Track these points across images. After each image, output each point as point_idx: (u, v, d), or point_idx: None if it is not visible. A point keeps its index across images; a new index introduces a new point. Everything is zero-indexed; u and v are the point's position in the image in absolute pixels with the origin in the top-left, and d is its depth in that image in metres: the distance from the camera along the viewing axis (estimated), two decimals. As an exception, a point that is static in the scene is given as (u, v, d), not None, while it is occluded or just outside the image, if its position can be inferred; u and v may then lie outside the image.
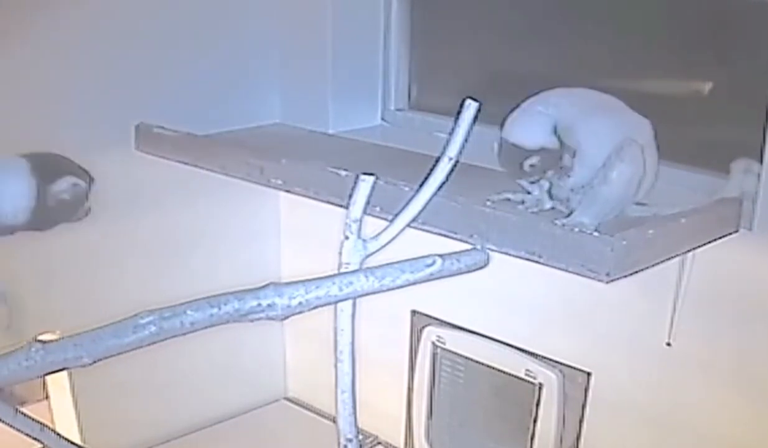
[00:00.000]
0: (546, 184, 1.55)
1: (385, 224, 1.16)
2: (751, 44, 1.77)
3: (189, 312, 1.08)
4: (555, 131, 1.49)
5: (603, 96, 1.54)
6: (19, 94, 1.82)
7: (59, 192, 0.97)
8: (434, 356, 2.11)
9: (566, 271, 1.35)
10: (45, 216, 0.96)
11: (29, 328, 1.06)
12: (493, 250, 1.22)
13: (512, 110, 1.53)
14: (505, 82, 2.07)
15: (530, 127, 1.51)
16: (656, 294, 1.69)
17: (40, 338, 1.05)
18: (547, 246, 1.36)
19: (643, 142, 1.48)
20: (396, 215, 1.16)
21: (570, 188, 1.52)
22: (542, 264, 1.38)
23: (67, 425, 2.06)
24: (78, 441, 1.37)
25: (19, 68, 1.80)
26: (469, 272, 1.15)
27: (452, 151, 1.13)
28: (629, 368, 1.82)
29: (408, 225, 1.16)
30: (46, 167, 0.96)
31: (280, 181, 1.76)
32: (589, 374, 1.87)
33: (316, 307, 1.11)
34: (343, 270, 1.15)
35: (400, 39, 2.25)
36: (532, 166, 1.50)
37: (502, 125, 1.54)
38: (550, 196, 1.56)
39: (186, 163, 1.88)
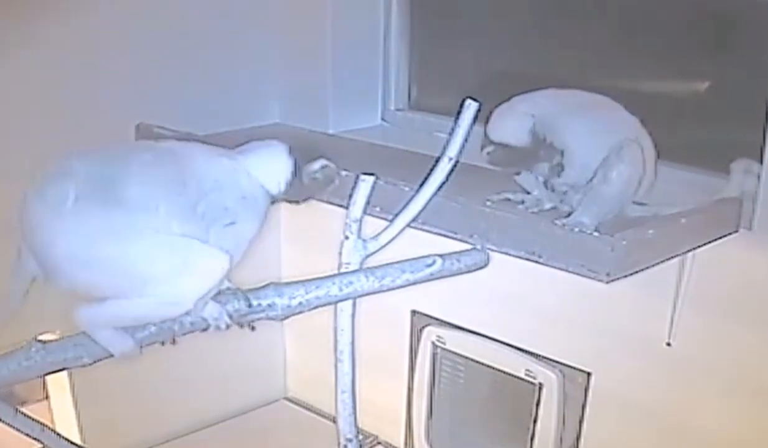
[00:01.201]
0: (540, 179, 1.56)
1: (385, 224, 1.16)
2: (751, 44, 1.77)
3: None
4: (533, 131, 1.49)
5: (594, 96, 1.55)
6: (19, 95, 1.82)
7: (312, 171, 1.16)
8: (434, 356, 2.10)
9: (566, 271, 1.35)
10: (300, 191, 1.16)
11: (29, 328, 1.06)
12: (493, 250, 1.22)
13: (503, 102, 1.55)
14: (505, 82, 2.07)
15: (504, 121, 1.52)
16: (656, 294, 1.69)
17: (40, 338, 1.05)
18: (547, 246, 1.36)
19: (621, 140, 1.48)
20: (396, 215, 1.16)
21: (563, 184, 1.53)
22: (542, 264, 1.38)
23: (67, 425, 2.06)
24: (78, 441, 1.36)
25: (20, 69, 1.80)
26: (469, 272, 1.15)
27: (452, 151, 1.13)
28: (629, 368, 1.82)
29: (408, 225, 1.16)
30: (302, 151, 1.17)
31: (280, 181, 1.75)
32: (589, 374, 1.87)
33: (316, 307, 1.11)
34: (343, 270, 1.15)
35: (400, 39, 2.25)
36: (488, 153, 1.52)
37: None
38: (546, 186, 1.56)
39: (186, 163, 1.88)
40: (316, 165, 1.16)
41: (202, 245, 1.03)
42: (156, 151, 1.08)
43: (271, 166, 1.13)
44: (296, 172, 1.14)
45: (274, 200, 1.14)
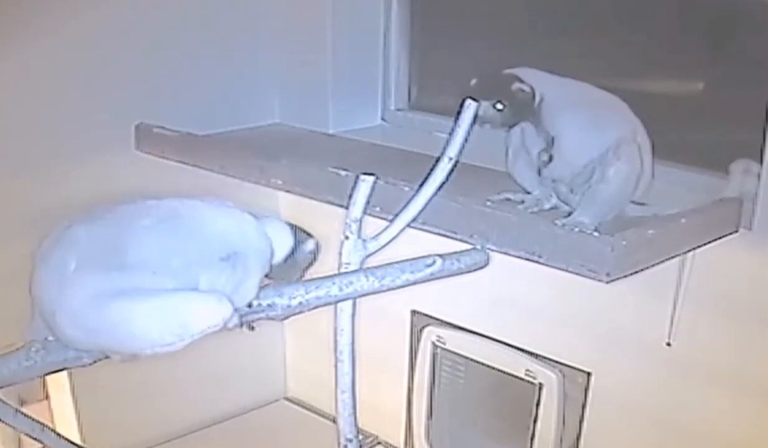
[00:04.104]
0: (535, 157, 1.57)
1: (385, 224, 1.16)
2: (751, 44, 1.77)
3: (189, 312, 1.09)
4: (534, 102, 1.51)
5: (601, 94, 1.55)
6: (20, 95, 1.82)
7: (308, 251, 1.15)
8: (434, 356, 2.10)
9: (566, 271, 1.35)
10: (291, 270, 1.15)
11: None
12: (493, 250, 1.22)
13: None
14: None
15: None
16: (656, 294, 1.69)
17: (40, 338, 1.05)
18: (547, 246, 1.36)
19: (617, 139, 1.48)
20: (396, 215, 1.16)
21: (548, 175, 1.54)
22: (542, 264, 1.38)
23: (67, 425, 2.06)
24: (78, 441, 1.36)
25: (20, 69, 1.80)
26: (469, 271, 1.15)
27: (452, 151, 1.13)
28: (629, 368, 1.82)
29: (408, 225, 1.16)
30: (296, 230, 1.15)
31: (280, 182, 1.75)
32: (589, 374, 1.87)
33: (316, 307, 1.11)
34: (343, 270, 1.15)
35: (400, 39, 2.25)
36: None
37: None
38: (539, 173, 1.56)
39: (186, 163, 1.88)
40: (311, 244, 1.15)
41: (197, 299, 1.01)
42: (157, 211, 1.05)
43: (277, 236, 1.12)
44: (293, 250, 1.13)
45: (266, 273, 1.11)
